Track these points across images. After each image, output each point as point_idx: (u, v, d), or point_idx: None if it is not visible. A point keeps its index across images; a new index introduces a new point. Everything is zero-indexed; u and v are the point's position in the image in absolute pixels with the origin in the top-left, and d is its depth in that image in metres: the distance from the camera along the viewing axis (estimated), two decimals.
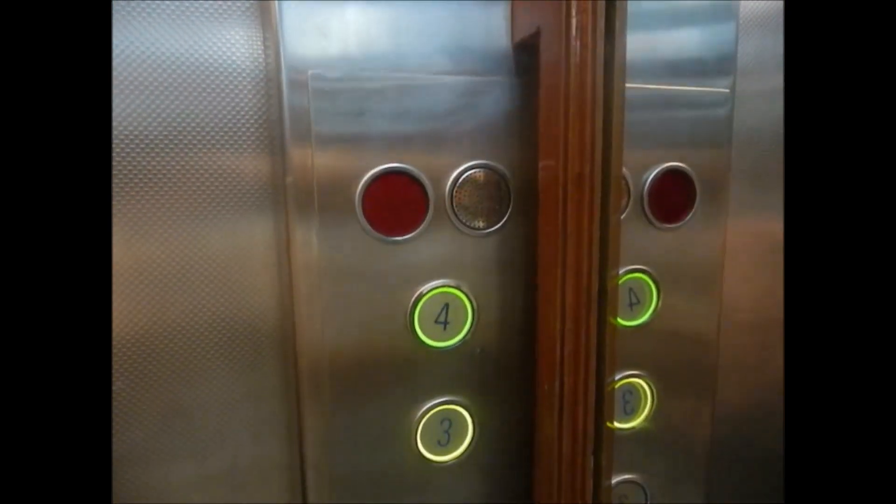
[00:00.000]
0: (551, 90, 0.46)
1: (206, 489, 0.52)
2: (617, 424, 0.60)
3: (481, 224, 0.52)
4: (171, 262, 0.48)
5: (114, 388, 0.48)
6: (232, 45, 0.47)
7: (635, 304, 0.60)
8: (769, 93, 0.65)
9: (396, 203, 0.48)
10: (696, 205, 0.59)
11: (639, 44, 0.54)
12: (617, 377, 0.59)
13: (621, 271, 0.58)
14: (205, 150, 0.47)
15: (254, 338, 0.51)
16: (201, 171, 0.47)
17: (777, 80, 0.65)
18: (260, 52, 0.47)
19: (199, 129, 0.47)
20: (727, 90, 0.58)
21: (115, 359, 0.48)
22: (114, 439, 0.49)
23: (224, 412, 0.52)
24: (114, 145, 0.45)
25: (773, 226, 0.68)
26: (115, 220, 0.46)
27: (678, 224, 0.59)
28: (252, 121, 0.48)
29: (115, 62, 0.44)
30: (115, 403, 0.49)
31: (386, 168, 0.47)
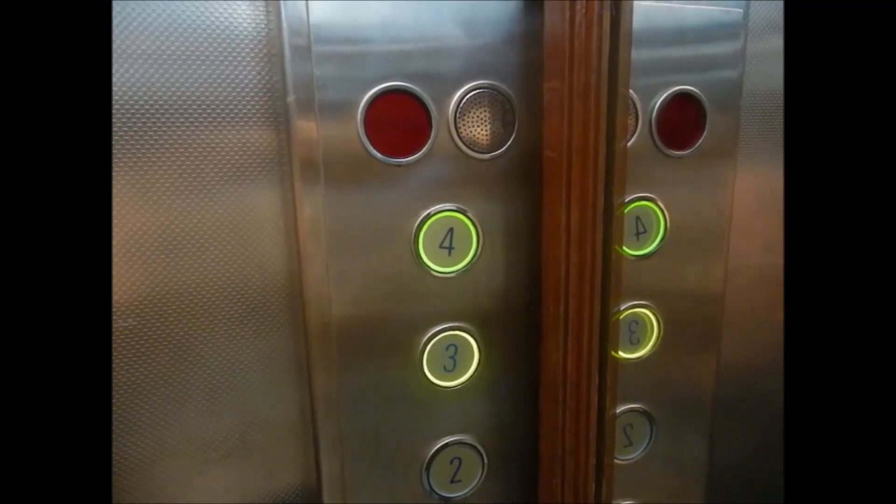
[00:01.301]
0: (556, 9, 0.45)
1: (219, 447, 0.53)
2: (623, 354, 0.60)
3: (486, 147, 0.51)
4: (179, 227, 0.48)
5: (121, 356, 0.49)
6: None
7: (642, 234, 0.59)
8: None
9: (399, 123, 0.47)
10: (705, 131, 0.58)
11: None
12: (623, 307, 0.59)
13: (628, 199, 0.57)
14: (205, 94, 0.46)
15: (262, 267, 0.51)
16: (199, 109, 0.46)
17: None
18: None
19: (197, 76, 0.46)
20: (740, 10, 0.56)
21: (126, 325, 0.48)
22: (125, 406, 0.50)
23: (236, 367, 0.52)
24: (118, 115, 0.45)
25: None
26: (123, 188, 0.46)
27: (687, 151, 0.58)
28: (250, 37, 0.47)
29: (114, 31, 0.43)
30: (123, 370, 0.49)
31: (387, 86, 0.46)
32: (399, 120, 0.48)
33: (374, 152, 0.47)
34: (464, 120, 0.49)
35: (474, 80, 0.49)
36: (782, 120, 0.65)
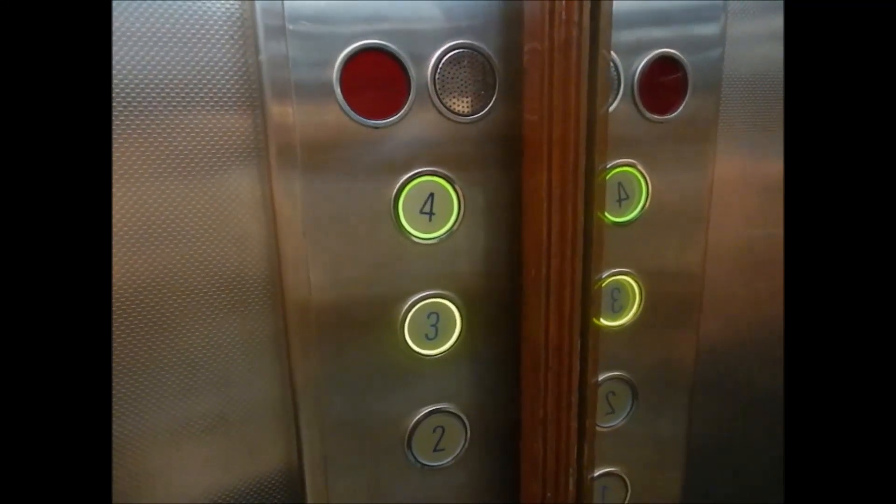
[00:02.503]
0: None
1: (198, 422, 0.52)
2: (605, 322, 0.60)
3: (466, 109, 0.50)
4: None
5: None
6: None
7: (624, 200, 0.59)
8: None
9: (376, 82, 0.46)
10: (688, 95, 0.57)
11: None
12: (605, 274, 0.59)
13: (610, 164, 0.56)
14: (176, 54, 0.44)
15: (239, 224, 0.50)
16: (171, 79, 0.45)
17: None
18: None
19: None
20: None
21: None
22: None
23: (215, 345, 0.51)
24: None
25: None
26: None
27: (670, 115, 0.57)
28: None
29: None
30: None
31: (363, 45, 0.45)
32: (376, 80, 0.46)
33: (352, 113, 0.46)
34: (443, 81, 0.48)
35: (453, 40, 0.48)
36: (764, 89, 0.65)
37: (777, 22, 0.63)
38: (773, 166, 0.68)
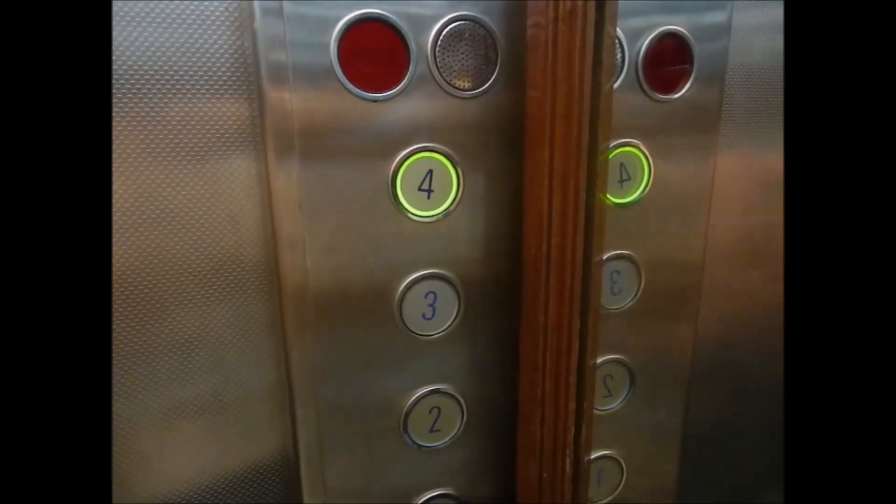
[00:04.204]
0: None
1: (195, 412, 0.52)
2: (605, 305, 0.60)
3: (467, 85, 0.49)
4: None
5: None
6: None
7: (626, 181, 0.58)
8: None
9: (375, 54, 0.45)
10: (692, 75, 0.56)
11: None
12: (606, 255, 0.58)
13: (612, 144, 0.55)
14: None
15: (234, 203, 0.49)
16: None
17: None
18: None
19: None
20: None
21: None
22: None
23: (210, 329, 0.50)
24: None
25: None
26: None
27: (674, 95, 0.56)
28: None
29: None
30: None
31: (362, 14, 0.44)
32: (375, 51, 0.45)
33: (350, 86, 0.45)
34: (444, 55, 0.47)
35: (454, 12, 0.47)
36: (767, 73, 0.64)
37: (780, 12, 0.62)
38: (774, 152, 0.67)
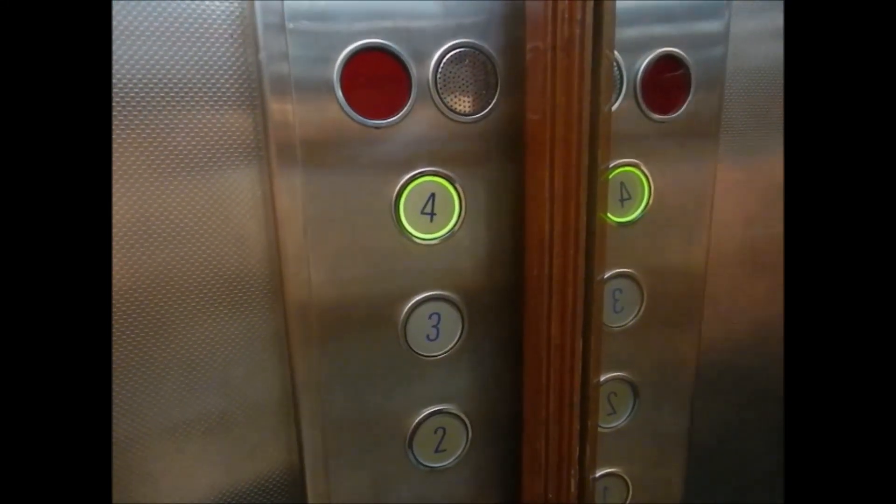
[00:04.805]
0: None
1: (201, 431, 0.52)
2: (607, 323, 0.60)
3: (468, 109, 0.50)
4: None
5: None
6: None
7: (626, 200, 0.59)
8: None
9: (377, 82, 0.46)
10: (691, 94, 0.57)
11: None
12: (607, 274, 0.59)
13: (612, 164, 0.56)
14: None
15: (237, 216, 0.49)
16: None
17: None
18: None
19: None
20: None
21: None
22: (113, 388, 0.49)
23: (215, 345, 0.51)
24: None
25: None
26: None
27: (672, 115, 0.57)
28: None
29: None
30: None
31: (364, 44, 0.45)
32: (377, 79, 0.46)
33: (352, 113, 0.46)
34: (444, 80, 0.48)
35: (455, 39, 0.48)
36: (766, 87, 0.65)
37: (779, 19, 0.63)
38: (774, 164, 0.67)
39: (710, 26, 0.56)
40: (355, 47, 0.45)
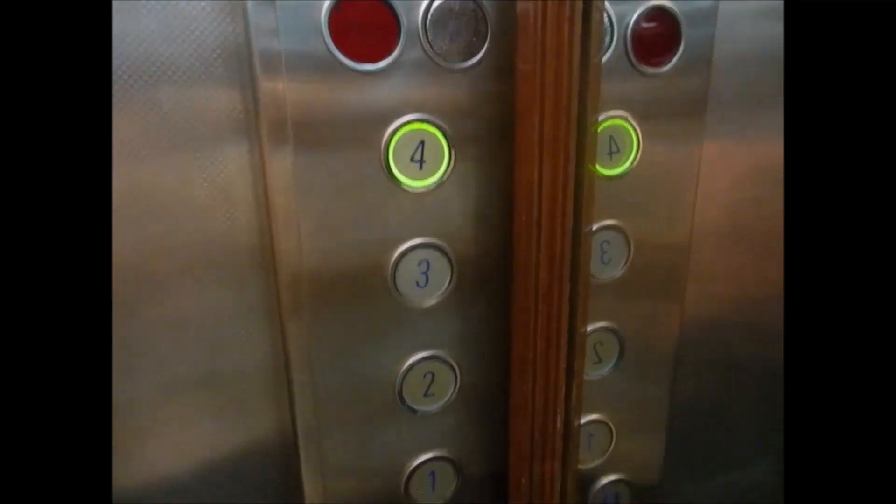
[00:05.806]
0: None
1: (192, 387, 0.53)
2: (594, 274, 0.61)
3: (457, 57, 0.50)
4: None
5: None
6: None
7: (615, 153, 0.59)
8: None
9: (366, 26, 0.46)
10: (681, 48, 0.57)
11: None
12: (595, 227, 0.60)
13: (601, 117, 0.56)
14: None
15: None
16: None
17: None
18: None
19: None
20: None
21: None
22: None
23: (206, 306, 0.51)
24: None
25: None
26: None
27: (662, 69, 0.57)
28: None
29: None
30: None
31: None
32: (365, 23, 0.46)
33: (341, 57, 0.46)
34: (434, 27, 0.48)
35: None
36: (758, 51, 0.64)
37: None
38: (764, 121, 0.68)
39: None
40: None
